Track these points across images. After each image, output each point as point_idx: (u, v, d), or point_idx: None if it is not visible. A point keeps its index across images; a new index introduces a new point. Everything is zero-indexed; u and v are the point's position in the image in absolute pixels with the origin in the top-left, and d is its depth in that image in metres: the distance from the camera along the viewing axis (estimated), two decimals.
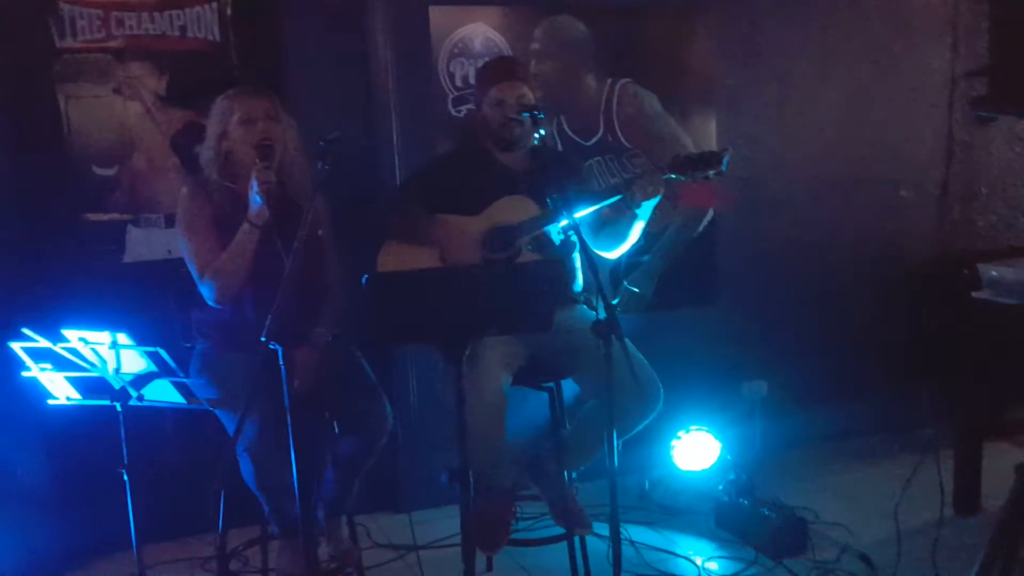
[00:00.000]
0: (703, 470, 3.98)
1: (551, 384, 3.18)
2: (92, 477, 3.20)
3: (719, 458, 3.98)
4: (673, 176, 3.04)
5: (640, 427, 3.09)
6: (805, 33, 4.33)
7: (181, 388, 2.41)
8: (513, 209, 3.10)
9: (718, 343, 4.24)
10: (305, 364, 2.84)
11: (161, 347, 2.49)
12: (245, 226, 2.81)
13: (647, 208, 3.08)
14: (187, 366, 2.94)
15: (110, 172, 3.54)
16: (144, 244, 3.59)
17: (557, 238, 3.11)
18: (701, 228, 4.27)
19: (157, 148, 3.58)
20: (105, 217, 3.54)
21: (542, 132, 3.01)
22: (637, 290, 4.15)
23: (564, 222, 2.97)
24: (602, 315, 2.59)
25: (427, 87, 3.79)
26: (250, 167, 2.86)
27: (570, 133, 4.03)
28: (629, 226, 3.15)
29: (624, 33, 4.05)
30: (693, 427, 4.01)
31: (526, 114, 3.05)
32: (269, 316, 2.41)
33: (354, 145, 3.70)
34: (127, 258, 3.57)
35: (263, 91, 2.98)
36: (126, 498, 2.61)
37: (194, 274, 2.90)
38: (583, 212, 3.05)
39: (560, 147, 3.99)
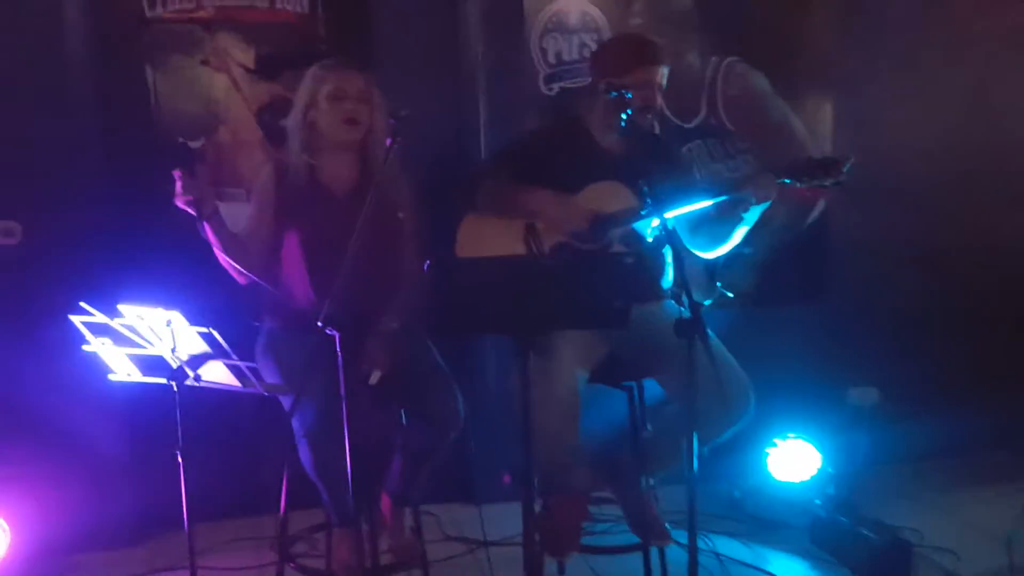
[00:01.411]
0: (800, 482, 3.71)
1: (631, 384, 2.99)
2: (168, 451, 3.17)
3: (818, 470, 3.70)
4: (787, 181, 2.81)
5: (726, 435, 2.87)
6: (934, 10, 3.98)
7: (236, 370, 2.32)
8: (607, 196, 2.90)
9: (824, 344, 3.96)
10: (376, 352, 2.73)
11: (229, 324, 2.42)
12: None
13: (755, 212, 2.86)
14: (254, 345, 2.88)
15: (196, 144, 3.50)
16: (227, 217, 3.50)
17: (649, 233, 2.90)
18: (810, 219, 3.98)
19: (242, 122, 3.52)
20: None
21: (629, 112, 2.79)
22: (731, 295, 3.90)
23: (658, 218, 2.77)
24: (687, 314, 2.40)
25: (518, 63, 3.63)
26: (333, 141, 2.81)
27: (669, 114, 3.79)
28: (732, 228, 2.92)
29: (732, 7, 3.79)
30: (791, 435, 3.75)
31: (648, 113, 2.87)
32: (327, 300, 2.30)
33: (441, 123, 3.60)
34: None
35: (358, 67, 2.87)
36: (191, 477, 2.55)
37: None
38: (684, 209, 2.84)
39: (657, 129, 3.76)
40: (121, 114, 3.39)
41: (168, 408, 2.51)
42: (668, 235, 2.59)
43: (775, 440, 3.75)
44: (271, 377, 2.73)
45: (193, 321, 2.34)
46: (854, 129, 3.85)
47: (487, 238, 2.91)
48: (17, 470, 3.15)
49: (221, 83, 3.48)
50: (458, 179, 3.10)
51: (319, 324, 2.27)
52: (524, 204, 2.90)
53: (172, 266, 3.40)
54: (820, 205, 3.97)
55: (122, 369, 2.42)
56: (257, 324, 2.92)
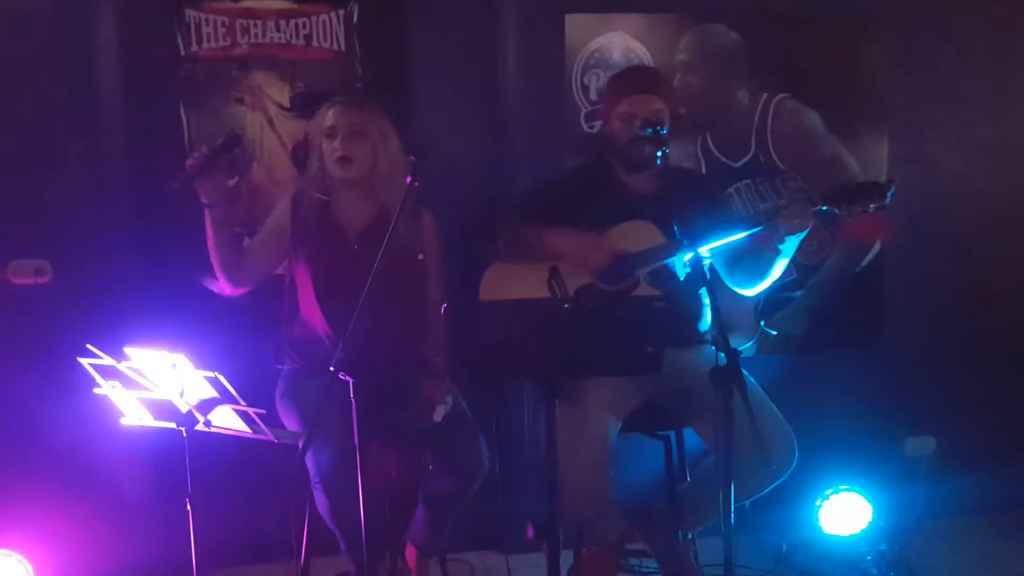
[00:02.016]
0: (851, 535, 3.52)
1: (668, 433, 2.86)
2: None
3: (869, 523, 3.51)
4: (825, 208, 2.67)
5: (765, 491, 2.72)
6: (991, 47, 3.80)
7: (245, 416, 2.24)
8: (633, 236, 2.79)
9: (878, 391, 3.78)
10: (434, 389, 2.64)
11: (252, 368, 2.36)
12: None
13: (792, 243, 2.73)
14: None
15: (230, 183, 3.45)
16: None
17: (682, 271, 2.78)
18: (865, 263, 3.81)
19: (277, 159, 3.47)
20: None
21: (666, 151, 2.69)
22: (775, 332, 3.74)
23: (690, 254, 2.65)
24: (723, 361, 2.28)
25: (559, 100, 3.53)
26: (335, 179, 2.80)
27: (716, 153, 3.68)
28: (771, 262, 2.79)
29: (783, 44, 3.66)
30: (843, 487, 3.56)
31: (648, 130, 2.73)
32: (340, 344, 2.21)
33: (477, 163, 3.52)
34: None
35: (357, 102, 2.83)
36: (211, 522, 2.47)
37: None
38: (715, 244, 2.72)
39: (704, 168, 3.65)
40: (154, 153, 3.35)
41: (202, 449, 2.45)
42: (701, 273, 2.47)
43: (827, 491, 3.57)
44: (290, 421, 2.66)
45: (211, 364, 2.28)
46: (910, 168, 3.68)
47: (511, 283, 2.81)
48: (40, 507, 3.10)
49: (256, 121, 3.44)
50: (483, 224, 3.01)
51: (331, 368, 2.19)
52: (547, 246, 2.81)
53: (202, 309, 3.36)
54: (875, 247, 3.80)
55: (133, 413, 2.36)
56: (279, 367, 2.85)
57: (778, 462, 2.66)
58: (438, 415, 2.62)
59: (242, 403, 2.19)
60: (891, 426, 3.72)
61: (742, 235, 2.69)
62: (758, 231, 2.68)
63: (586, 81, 3.55)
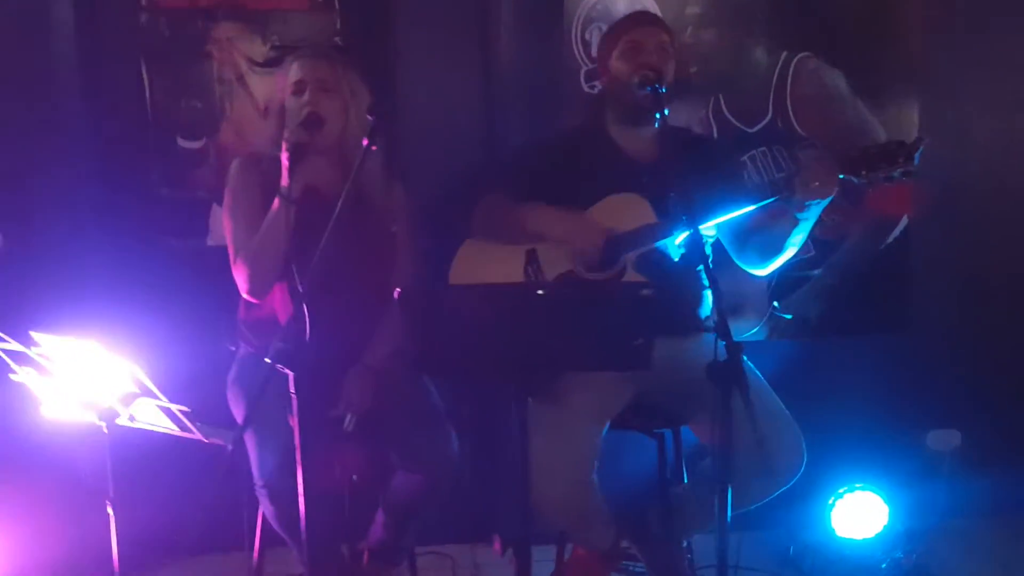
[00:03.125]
0: (865, 539, 3.23)
1: (663, 431, 2.59)
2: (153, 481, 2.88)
3: (886, 526, 3.23)
4: (842, 176, 2.37)
5: (768, 498, 2.44)
6: None
7: (168, 413, 1.98)
8: (621, 212, 2.49)
9: (901, 381, 3.46)
10: (357, 388, 2.37)
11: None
12: (276, 201, 2.34)
13: (813, 212, 2.41)
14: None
15: (196, 145, 3.18)
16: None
17: (676, 252, 2.48)
18: (890, 239, 3.49)
19: (248, 119, 3.18)
20: (188, 195, 3.18)
21: (665, 112, 2.37)
22: (789, 316, 3.43)
23: (685, 234, 2.36)
24: (722, 355, 1.99)
25: (556, 57, 3.21)
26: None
27: (730, 116, 3.35)
28: (787, 235, 2.48)
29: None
30: (858, 485, 3.27)
31: (648, 88, 2.42)
32: (280, 332, 1.95)
33: (467, 126, 3.22)
34: (210, 241, 3.20)
35: (325, 54, 2.53)
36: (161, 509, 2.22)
37: (230, 258, 2.49)
38: (719, 219, 2.42)
39: (716, 133, 3.33)
40: (112, 113, 3.09)
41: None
42: (700, 252, 2.18)
43: (840, 490, 3.29)
44: (239, 411, 2.40)
45: (164, 346, 2.02)
46: (943, 139, 3.32)
47: (485, 265, 2.53)
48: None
49: (225, 77, 3.15)
50: (462, 196, 2.71)
51: (266, 360, 1.92)
52: (526, 225, 2.51)
53: (168, 278, 3.13)
54: (901, 223, 3.47)
55: (52, 403, 2.10)
56: (233, 350, 2.59)
57: (782, 470, 2.39)
58: (348, 424, 2.34)
59: (162, 398, 1.93)
60: (913, 418, 3.42)
61: (752, 208, 2.39)
62: (771, 203, 2.38)
63: (587, 36, 3.23)
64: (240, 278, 2.44)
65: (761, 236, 2.54)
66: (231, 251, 2.49)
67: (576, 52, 3.23)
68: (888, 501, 3.24)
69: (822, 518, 3.28)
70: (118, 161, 3.12)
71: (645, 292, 1.93)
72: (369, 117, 2.20)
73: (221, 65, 3.15)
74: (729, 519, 2.09)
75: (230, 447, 1.90)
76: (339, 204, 2.07)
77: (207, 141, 3.18)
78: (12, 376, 2.06)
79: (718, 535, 2.08)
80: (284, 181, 2.31)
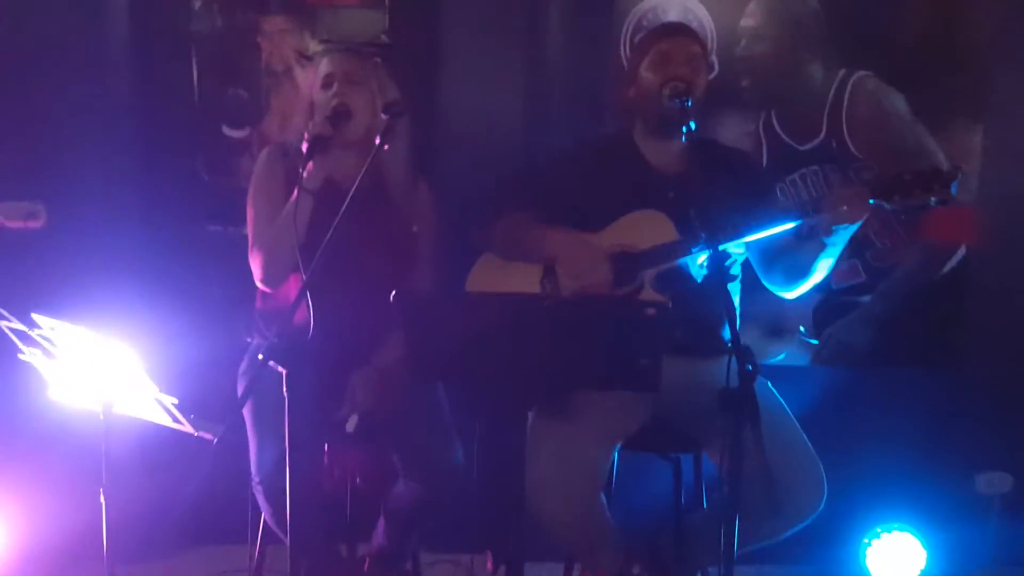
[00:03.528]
0: None
1: (679, 455, 2.51)
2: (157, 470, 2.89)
3: (923, 571, 3.09)
4: (872, 201, 2.27)
5: (780, 537, 2.35)
6: None
7: (160, 404, 1.97)
8: (642, 228, 2.43)
9: (949, 418, 3.30)
10: (362, 389, 2.34)
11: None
12: (295, 194, 2.33)
13: (841, 237, 2.32)
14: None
15: (241, 134, 3.20)
16: None
17: (698, 271, 2.40)
18: (946, 269, 3.34)
19: (293, 111, 3.19)
20: (230, 182, 3.21)
21: (692, 125, 2.30)
22: (815, 341, 3.31)
23: (705, 253, 2.29)
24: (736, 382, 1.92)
25: (604, 64, 3.16)
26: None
27: (781, 132, 3.25)
28: (814, 259, 2.39)
29: (867, 14, 3.19)
30: (896, 525, 3.13)
31: (676, 100, 2.34)
32: (274, 328, 1.94)
33: (510, 132, 3.18)
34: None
35: (354, 49, 2.57)
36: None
37: (249, 245, 2.50)
38: (742, 238, 2.34)
39: (765, 148, 3.23)
40: (160, 98, 3.13)
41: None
42: (723, 271, 2.11)
43: (877, 530, 3.15)
44: (247, 412, 2.39)
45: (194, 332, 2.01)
46: (1006, 165, 3.18)
47: (503, 277, 2.48)
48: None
49: (272, 69, 3.17)
50: (489, 201, 2.66)
51: (259, 356, 1.90)
52: (539, 246, 2.46)
53: (205, 264, 3.16)
54: (959, 253, 3.32)
55: (57, 386, 2.12)
56: (248, 340, 2.59)
57: (792, 510, 2.27)
58: (350, 425, 2.31)
59: (153, 388, 1.92)
60: (959, 459, 3.26)
61: (775, 229, 2.30)
62: (798, 224, 2.29)
63: (636, 42, 3.16)
64: (255, 266, 2.44)
65: (788, 258, 2.46)
66: (250, 239, 2.50)
67: (624, 59, 3.16)
68: (927, 544, 3.11)
69: (856, 557, 3.16)
70: (163, 146, 3.15)
71: (650, 311, 1.85)
72: (383, 116, 2.16)
73: (270, 56, 3.16)
74: (737, 554, 2.02)
75: (215, 440, 1.88)
76: (348, 198, 2.04)
77: (251, 130, 3.20)
78: (20, 356, 2.08)
79: (724, 569, 1.99)
80: (303, 171, 2.29)
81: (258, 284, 2.46)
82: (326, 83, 2.43)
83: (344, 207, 2.04)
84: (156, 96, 3.12)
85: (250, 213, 2.51)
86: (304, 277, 2.08)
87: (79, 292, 2.77)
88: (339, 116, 2.35)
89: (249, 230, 2.51)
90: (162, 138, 3.14)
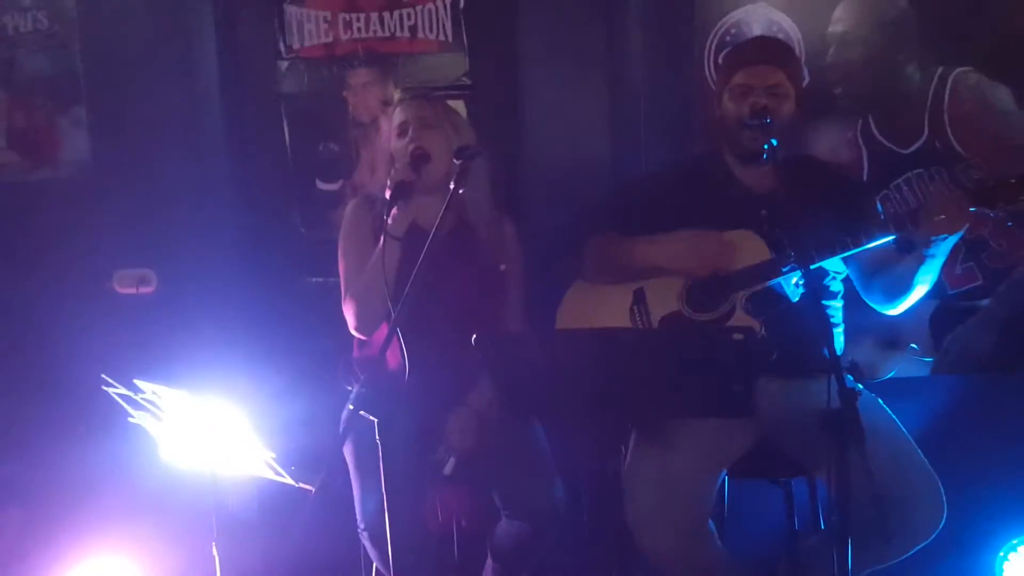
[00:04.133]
0: None
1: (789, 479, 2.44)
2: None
3: None
4: (974, 209, 2.17)
5: (897, 559, 2.25)
6: None
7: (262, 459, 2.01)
8: (735, 249, 2.37)
9: None
10: (458, 430, 2.35)
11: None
12: (381, 242, 2.36)
13: (942, 248, 2.22)
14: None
15: (334, 187, 3.29)
16: None
17: (794, 292, 2.33)
18: None
19: (382, 161, 3.25)
20: (327, 234, 3.28)
21: (774, 142, 2.24)
22: (930, 360, 3.16)
23: (798, 274, 2.23)
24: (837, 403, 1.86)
25: (687, 84, 3.11)
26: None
27: (880, 138, 3.13)
28: (913, 273, 2.30)
29: (961, 9, 3.06)
30: None
31: (754, 121, 2.29)
32: (361, 379, 1.97)
33: (594, 158, 3.16)
34: None
35: (426, 95, 2.59)
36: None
37: (342, 296, 2.54)
38: (834, 256, 2.27)
39: (865, 155, 3.12)
40: (255, 158, 3.24)
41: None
42: (820, 288, 2.04)
43: (1014, 542, 2.98)
44: (348, 451, 2.43)
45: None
46: None
47: (593, 307, 2.46)
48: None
49: (359, 121, 3.24)
50: (579, 231, 2.64)
51: (350, 407, 1.93)
52: (643, 258, 2.43)
53: (307, 315, 3.24)
54: None
55: (169, 448, 2.19)
56: (350, 389, 2.63)
57: (907, 531, 2.17)
58: (448, 468, 2.30)
59: (257, 443, 1.96)
60: None
61: (870, 245, 2.22)
62: (892, 240, 2.21)
63: (720, 61, 3.11)
64: (349, 315, 2.49)
65: (887, 274, 2.38)
66: (343, 289, 2.55)
67: (708, 77, 3.11)
68: None
69: (992, 571, 2.99)
70: (261, 204, 3.26)
71: (737, 336, 1.81)
72: (456, 161, 2.18)
73: (355, 109, 3.24)
74: None
75: (313, 491, 1.91)
76: (428, 240, 2.06)
77: (343, 183, 3.28)
78: (130, 419, 2.17)
79: None
80: (388, 218, 2.33)
81: (353, 332, 2.50)
82: (401, 131, 2.47)
83: (426, 249, 2.05)
84: (251, 156, 3.24)
85: (341, 264, 2.56)
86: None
87: (189, 354, 2.87)
88: (418, 161, 2.37)
89: (341, 280, 2.56)
90: (259, 197, 3.25)
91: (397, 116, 2.51)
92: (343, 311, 2.51)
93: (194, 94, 3.16)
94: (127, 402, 2.10)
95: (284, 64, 3.23)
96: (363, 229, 2.53)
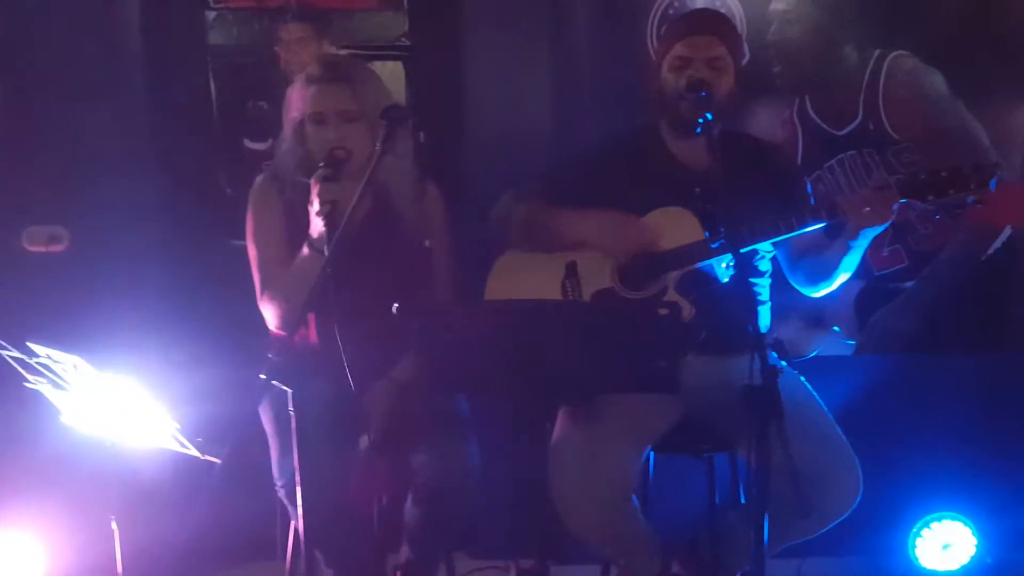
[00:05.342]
0: (950, 571, 3.02)
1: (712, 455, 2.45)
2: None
3: (973, 557, 3.01)
4: (904, 200, 2.19)
5: (812, 535, 2.30)
6: None
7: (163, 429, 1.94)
8: (668, 226, 2.36)
9: (999, 403, 3.19)
10: (375, 402, 2.32)
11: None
12: (305, 251, 2.30)
13: (863, 238, 2.26)
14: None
15: (262, 147, 3.19)
16: None
17: (724, 273, 2.33)
18: (991, 251, 3.22)
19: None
20: None
21: (708, 116, 2.22)
22: (852, 343, 3.22)
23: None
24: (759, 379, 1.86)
25: (630, 56, 3.07)
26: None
27: (816, 118, 3.15)
28: (838, 261, 2.34)
29: None
30: (946, 513, 3.05)
31: (692, 94, 2.28)
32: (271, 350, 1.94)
33: (535, 129, 3.12)
34: None
35: (343, 76, 2.36)
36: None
37: (257, 289, 2.46)
38: (765, 240, 2.29)
39: (800, 135, 3.13)
40: (178, 113, 3.11)
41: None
42: (749, 268, 2.05)
43: (926, 518, 3.06)
44: (267, 420, 2.37)
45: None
46: None
47: (522, 279, 2.43)
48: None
49: (291, 79, 3.13)
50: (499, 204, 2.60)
51: (261, 376, 1.88)
52: (567, 230, 2.40)
53: (230, 278, 3.14)
54: (1004, 233, 3.19)
55: (69, 413, 2.09)
56: (270, 356, 2.55)
57: (824, 507, 2.20)
58: (362, 444, 2.27)
59: (156, 415, 1.89)
60: (1012, 444, 3.15)
61: (798, 232, 2.24)
62: (819, 227, 2.23)
63: (662, 33, 3.08)
64: (268, 314, 2.42)
65: (812, 259, 2.41)
66: (257, 282, 2.46)
67: (651, 48, 3.08)
68: (977, 532, 3.02)
69: (905, 547, 3.08)
70: (184, 162, 3.14)
71: (662, 310, 1.80)
72: (382, 120, 2.12)
73: (288, 65, 3.14)
74: (774, 552, 1.96)
75: (219, 463, 1.86)
76: (343, 221, 2.02)
77: (273, 142, 3.17)
78: (26, 384, 2.07)
79: (755, 569, 1.94)
80: (313, 232, 2.25)
81: (275, 329, 2.43)
82: (318, 120, 2.35)
83: (340, 228, 2.01)
84: (175, 112, 3.11)
85: (252, 252, 2.46)
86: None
87: (103, 314, 2.76)
88: (338, 161, 2.27)
89: (255, 272, 2.46)
90: (182, 153, 3.13)
91: (312, 101, 2.35)
92: (259, 305, 2.44)
93: (113, 41, 2.99)
94: (22, 366, 2.00)
95: (212, 14, 3.11)
96: (273, 213, 2.43)
